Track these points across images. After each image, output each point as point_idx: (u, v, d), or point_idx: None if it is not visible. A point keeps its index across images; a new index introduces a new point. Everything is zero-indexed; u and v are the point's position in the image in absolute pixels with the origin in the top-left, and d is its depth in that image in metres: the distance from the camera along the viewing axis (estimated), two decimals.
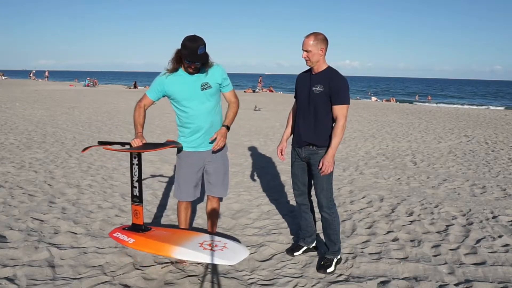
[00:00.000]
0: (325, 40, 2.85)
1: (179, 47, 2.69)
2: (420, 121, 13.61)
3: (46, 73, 48.88)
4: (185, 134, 2.91)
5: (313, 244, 3.30)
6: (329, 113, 2.88)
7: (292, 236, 3.62)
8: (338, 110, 2.84)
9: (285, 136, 3.21)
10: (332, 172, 2.93)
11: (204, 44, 2.64)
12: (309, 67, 2.95)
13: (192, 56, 2.61)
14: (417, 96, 38.93)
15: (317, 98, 2.87)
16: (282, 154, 3.20)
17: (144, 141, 2.76)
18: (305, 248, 3.26)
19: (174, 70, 2.77)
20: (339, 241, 3.08)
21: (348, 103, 2.86)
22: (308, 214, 3.23)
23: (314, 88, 2.88)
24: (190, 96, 2.78)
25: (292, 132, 3.15)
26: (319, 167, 2.88)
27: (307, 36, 2.85)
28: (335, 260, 3.03)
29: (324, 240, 3.14)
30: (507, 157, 7.54)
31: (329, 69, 2.91)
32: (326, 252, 3.09)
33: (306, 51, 2.84)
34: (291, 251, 3.27)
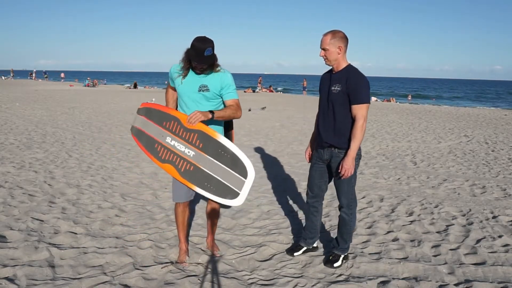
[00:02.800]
0: (343, 38, 2.76)
1: (188, 47, 2.71)
2: (420, 121, 13.61)
3: (62, 75, 50.99)
4: None
5: (314, 245, 3.30)
6: (348, 114, 2.80)
7: (292, 236, 3.62)
8: (357, 110, 2.75)
9: (312, 140, 3.18)
10: (355, 174, 2.89)
11: (212, 47, 2.65)
12: (330, 67, 2.89)
13: (198, 57, 2.62)
14: (409, 96, 38.96)
15: (336, 98, 2.80)
16: (310, 158, 3.18)
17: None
18: (305, 248, 3.26)
19: (187, 71, 2.77)
20: (350, 240, 3.10)
21: (367, 102, 2.77)
22: (316, 217, 3.20)
23: (333, 88, 2.81)
24: (186, 93, 2.81)
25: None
26: (339, 170, 2.83)
27: (325, 34, 2.78)
28: (342, 256, 3.06)
29: (336, 236, 3.13)
30: (507, 157, 7.54)
31: (349, 67, 2.82)
32: (336, 247, 3.09)
33: (323, 49, 2.78)
34: (291, 251, 3.27)
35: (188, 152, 2.70)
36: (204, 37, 2.66)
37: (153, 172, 5.83)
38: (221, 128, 2.96)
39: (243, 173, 2.64)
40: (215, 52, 2.74)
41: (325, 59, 2.82)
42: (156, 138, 2.82)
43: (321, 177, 3.07)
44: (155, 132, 2.84)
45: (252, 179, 2.65)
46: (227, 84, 2.79)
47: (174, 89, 3.00)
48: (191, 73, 2.80)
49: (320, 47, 2.80)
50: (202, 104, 2.82)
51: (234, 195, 2.67)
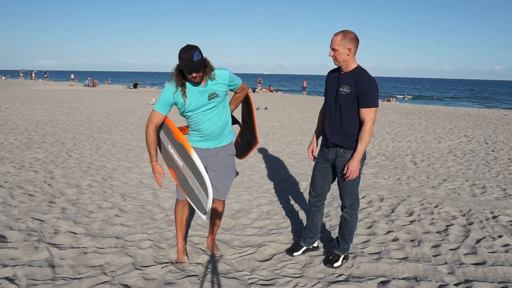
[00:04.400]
0: (354, 40, 2.72)
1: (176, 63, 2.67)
2: (420, 121, 13.60)
3: (72, 76, 49.24)
4: (193, 133, 2.91)
5: (314, 244, 3.30)
6: (356, 115, 2.78)
7: (292, 236, 3.62)
8: (365, 113, 2.73)
9: (316, 136, 3.17)
10: (358, 176, 2.89)
11: (199, 51, 2.60)
12: (337, 66, 2.86)
13: (189, 65, 2.57)
14: (406, 97, 39.35)
15: (344, 99, 2.77)
16: (313, 154, 3.17)
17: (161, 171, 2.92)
18: (304, 248, 3.26)
19: (183, 86, 2.72)
20: (351, 241, 3.11)
21: (376, 106, 2.74)
22: (317, 216, 3.20)
23: (341, 89, 2.78)
24: (197, 107, 2.77)
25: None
26: (344, 172, 2.83)
27: (336, 34, 2.73)
28: (342, 256, 3.07)
29: (337, 236, 3.14)
30: (507, 157, 7.54)
31: (358, 69, 2.79)
32: (336, 248, 3.10)
33: (333, 49, 2.74)
34: (290, 251, 3.27)
35: (179, 161, 2.78)
36: (187, 45, 2.62)
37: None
38: (228, 118, 2.96)
39: (205, 191, 2.61)
40: (207, 56, 2.71)
41: (334, 59, 2.78)
42: (165, 145, 2.93)
43: (324, 177, 3.06)
44: (164, 140, 2.95)
45: (211, 199, 2.60)
46: (230, 78, 2.84)
47: (164, 117, 2.86)
48: (193, 87, 2.74)
49: (330, 47, 2.76)
50: (215, 109, 2.82)
51: (204, 212, 2.66)
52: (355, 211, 3.01)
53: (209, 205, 2.61)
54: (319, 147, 3.13)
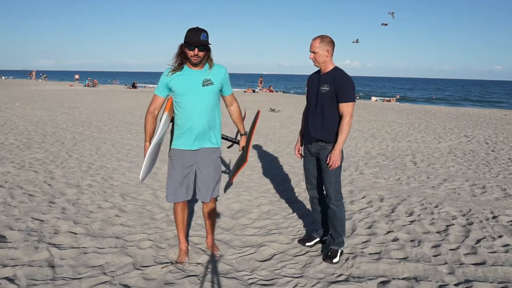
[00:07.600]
0: (331, 42, 3.01)
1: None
2: (420, 121, 13.61)
3: (77, 76, 48.00)
4: (180, 132, 2.89)
5: (325, 237, 3.41)
6: (336, 111, 3.03)
7: (292, 236, 3.62)
8: (344, 107, 2.98)
9: (301, 136, 3.38)
10: (340, 167, 3.08)
11: (207, 33, 2.72)
12: (318, 68, 3.12)
13: (195, 41, 2.66)
14: (397, 96, 39.78)
15: (324, 97, 3.02)
16: (299, 153, 3.40)
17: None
18: (317, 239, 3.41)
19: (179, 67, 2.79)
20: (344, 233, 3.23)
21: (353, 100, 3.00)
22: (318, 208, 3.38)
23: (322, 88, 3.04)
24: (190, 91, 2.78)
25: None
26: (327, 162, 3.02)
27: (314, 39, 3.02)
28: (340, 251, 3.16)
29: (330, 232, 3.24)
30: (507, 157, 7.54)
31: (336, 69, 3.07)
32: (331, 243, 3.21)
33: (313, 52, 3.03)
34: (303, 241, 3.43)
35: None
36: (198, 27, 2.73)
37: (153, 172, 5.83)
38: (218, 120, 2.96)
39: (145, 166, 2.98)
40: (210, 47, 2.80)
41: (314, 61, 3.07)
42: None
43: (315, 167, 3.27)
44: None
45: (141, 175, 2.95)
46: (227, 78, 2.94)
47: (164, 100, 2.91)
48: (190, 70, 2.79)
49: (310, 51, 3.05)
50: (207, 99, 2.82)
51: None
52: (341, 201, 3.16)
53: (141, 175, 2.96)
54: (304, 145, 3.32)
